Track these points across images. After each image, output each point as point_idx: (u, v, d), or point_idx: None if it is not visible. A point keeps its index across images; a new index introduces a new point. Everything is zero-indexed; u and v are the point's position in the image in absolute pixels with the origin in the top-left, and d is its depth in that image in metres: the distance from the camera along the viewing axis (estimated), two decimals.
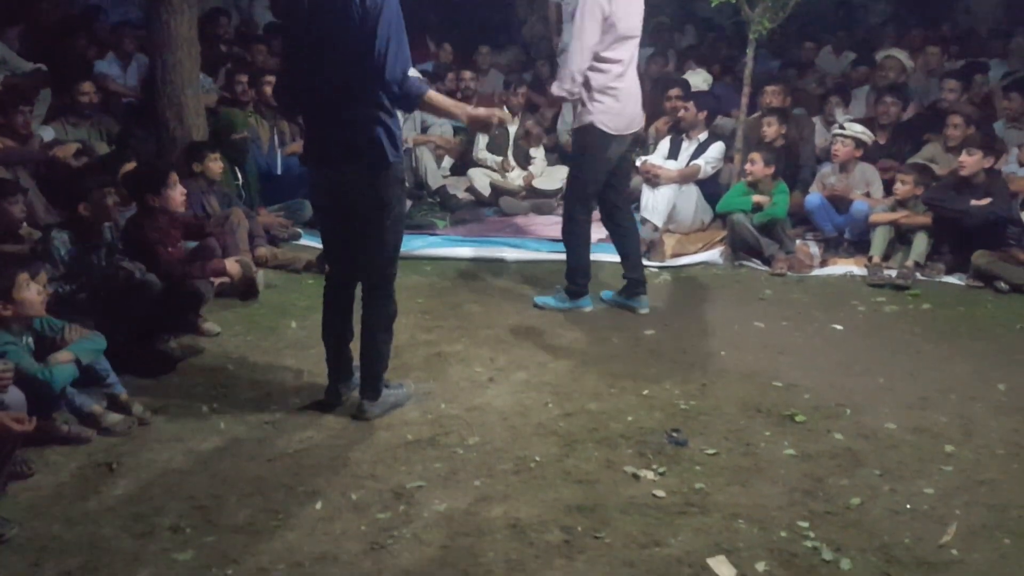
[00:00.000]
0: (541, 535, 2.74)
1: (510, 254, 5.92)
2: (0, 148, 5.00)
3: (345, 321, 3.58)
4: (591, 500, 2.94)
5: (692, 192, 6.31)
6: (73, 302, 3.64)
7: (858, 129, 6.02)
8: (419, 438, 3.36)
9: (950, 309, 4.97)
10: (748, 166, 5.91)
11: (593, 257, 5.82)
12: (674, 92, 6.70)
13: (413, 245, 5.80)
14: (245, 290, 4.81)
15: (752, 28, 5.89)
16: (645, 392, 3.78)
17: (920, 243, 5.50)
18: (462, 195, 7.08)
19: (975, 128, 6.06)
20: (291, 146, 6.40)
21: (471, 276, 5.47)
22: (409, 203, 6.63)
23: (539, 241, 6.22)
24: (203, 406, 3.61)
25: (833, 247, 5.96)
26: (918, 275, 5.42)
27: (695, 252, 5.95)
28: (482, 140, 7.36)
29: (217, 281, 4.45)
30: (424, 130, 7.39)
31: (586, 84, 4.41)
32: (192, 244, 4.48)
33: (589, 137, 4.51)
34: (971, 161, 5.45)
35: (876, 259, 5.54)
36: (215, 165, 5.18)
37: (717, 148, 6.41)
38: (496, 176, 7.21)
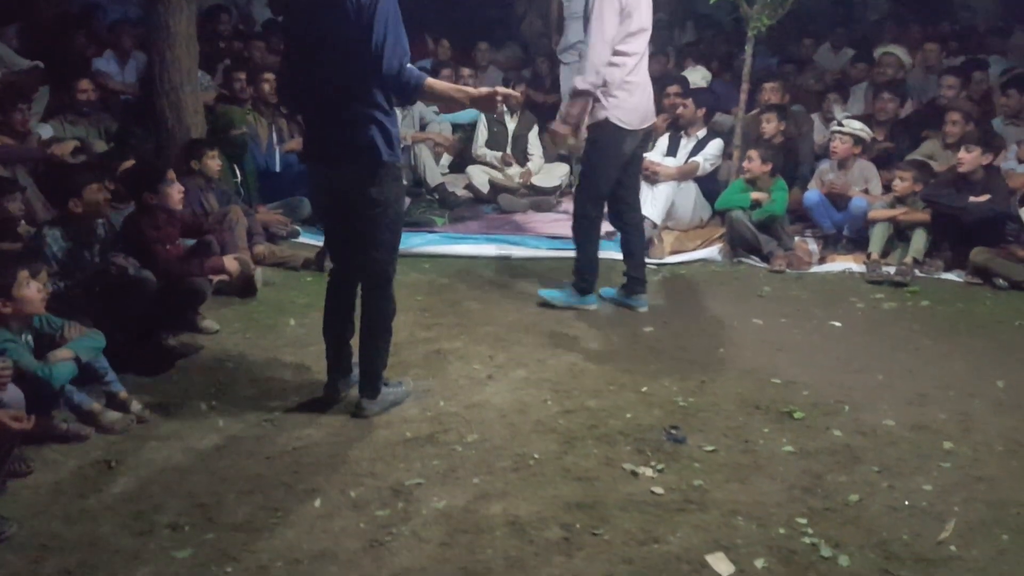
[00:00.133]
0: (540, 532, 2.75)
1: (509, 251, 5.92)
2: None
3: (346, 318, 3.58)
4: (590, 497, 2.94)
5: (691, 189, 6.31)
6: (69, 299, 3.63)
7: (856, 126, 6.02)
8: (418, 435, 3.36)
9: (949, 306, 4.98)
10: (746, 163, 5.91)
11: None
12: (673, 89, 6.70)
13: (412, 243, 5.80)
14: (244, 288, 4.80)
15: (751, 25, 5.89)
16: (644, 389, 3.78)
17: (919, 240, 5.50)
18: (461, 192, 7.08)
19: (974, 125, 6.06)
20: (289, 143, 6.40)
21: (470, 274, 5.47)
22: (408, 201, 6.63)
23: (538, 238, 6.22)
24: (202, 404, 3.60)
25: (832, 244, 5.97)
26: (917, 272, 5.43)
27: (694, 249, 5.96)
28: (481, 136, 7.37)
29: (216, 279, 4.45)
30: (423, 127, 7.38)
31: (605, 79, 4.35)
32: (190, 242, 4.48)
33: (604, 133, 4.46)
34: (969, 158, 5.45)
35: (875, 256, 5.55)
36: (213, 163, 5.18)
37: (716, 145, 6.41)
38: (495, 173, 7.21)
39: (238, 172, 5.80)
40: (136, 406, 3.48)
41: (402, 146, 6.76)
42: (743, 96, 6.10)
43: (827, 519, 2.83)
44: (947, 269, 5.51)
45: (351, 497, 2.94)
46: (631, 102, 4.43)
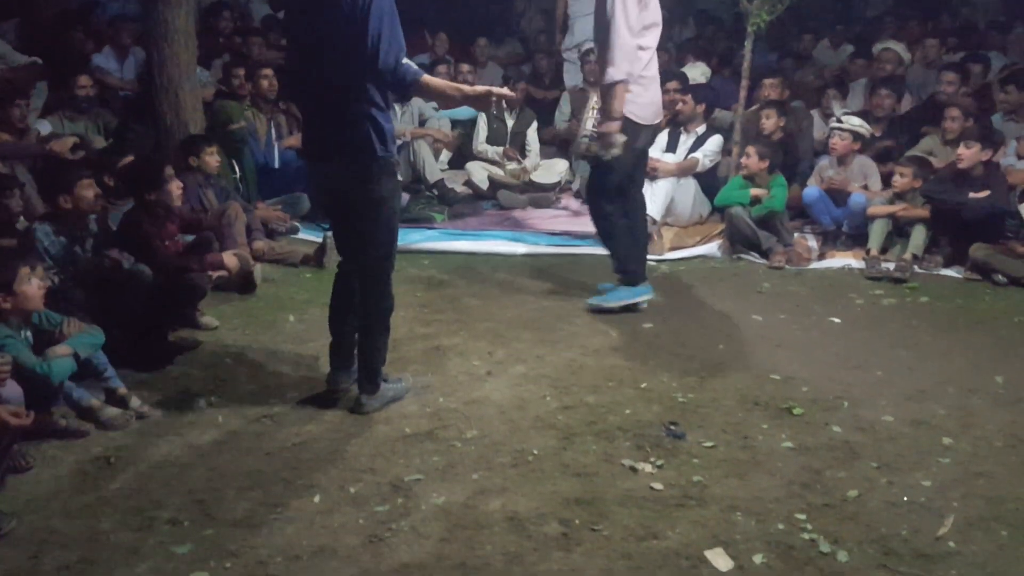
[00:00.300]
0: (539, 528, 2.75)
1: (508, 248, 5.91)
2: None
3: (350, 311, 3.57)
4: (589, 493, 2.94)
5: (690, 185, 6.31)
6: (65, 295, 3.63)
7: (856, 123, 6.01)
8: (417, 431, 3.36)
9: (948, 302, 4.98)
10: (744, 160, 5.91)
11: (592, 250, 5.86)
12: (672, 85, 6.68)
13: (411, 239, 5.79)
14: (243, 284, 4.80)
15: (750, 21, 5.89)
16: (643, 385, 3.78)
17: (918, 236, 5.50)
18: (460, 189, 7.08)
19: (973, 121, 6.05)
20: (288, 140, 6.39)
21: (469, 270, 5.46)
22: (407, 197, 6.63)
23: (537, 235, 6.22)
24: (201, 400, 3.60)
25: (831, 240, 5.97)
26: (916, 268, 5.43)
27: (693, 245, 5.96)
28: (481, 132, 7.36)
29: (215, 275, 4.45)
30: (422, 123, 7.38)
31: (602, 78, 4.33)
32: (190, 238, 4.47)
33: (626, 130, 4.39)
34: (969, 154, 5.44)
35: (874, 252, 5.54)
36: (212, 159, 5.17)
37: (715, 141, 6.41)
38: (494, 170, 7.21)
39: (237, 168, 5.80)
40: (135, 402, 3.48)
41: (401, 142, 6.78)
42: (742, 92, 6.09)
43: (826, 515, 2.84)
44: (946, 265, 5.51)
45: (350, 493, 2.94)
46: (646, 97, 4.41)
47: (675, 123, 6.51)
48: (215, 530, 2.73)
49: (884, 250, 5.60)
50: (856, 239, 5.85)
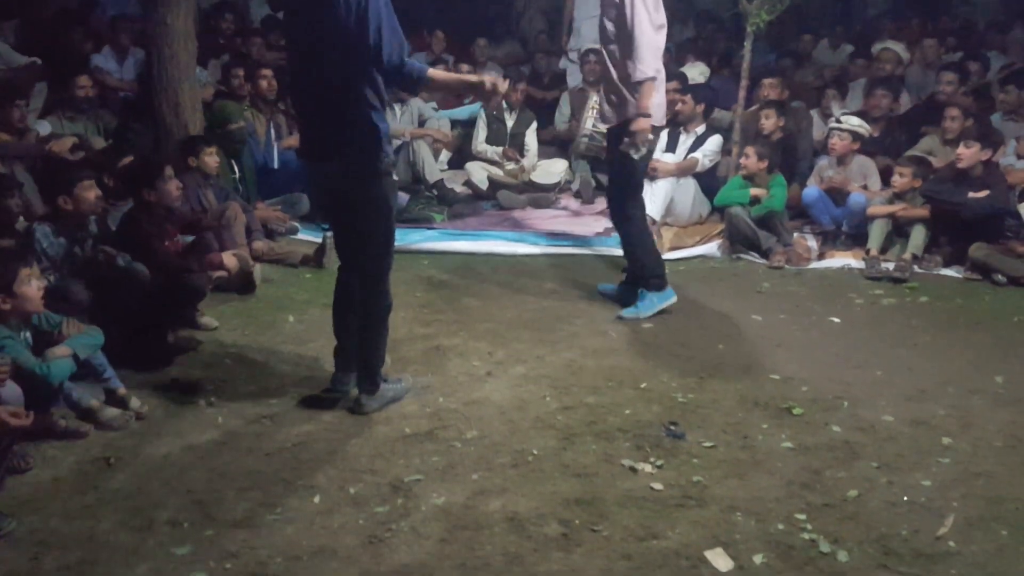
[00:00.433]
0: (539, 528, 2.75)
1: (508, 248, 5.91)
2: None
3: (352, 311, 3.57)
4: (589, 493, 2.94)
5: (690, 185, 6.31)
6: (64, 294, 3.63)
7: (855, 123, 6.01)
8: (417, 432, 3.36)
9: (948, 302, 4.98)
10: (742, 160, 5.92)
11: (592, 250, 5.87)
12: (671, 85, 6.67)
13: (411, 239, 5.79)
14: (242, 284, 4.80)
15: (750, 21, 5.89)
16: (643, 385, 3.78)
17: (918, 236, 5.50)
18: (460, 189, 7.08)
19: (973, 120, 6.06)
20: (288, 140, 6.39)
21: (469, 270, 5.46)
22: (407, 197, 6.62)
23: (537, 235, 6.22)
24: (201, 400, 3.60)
25: (831, 240, 5.97)
26: (916, 268, 5.43)
27: (693, 245, 5.96)
28: (481, 133, 7.36)
29: (214, 275, 4.44)
30: (421, 124, 7.38)
31: (632, 74, 4.32)
32: (189, 238, 4.47)
33: (629, 135, 4.37)
34: (968, 153, 5.44)
35: (874, 252, 5.54)
36: (211, 159, 5.16)
37: (715, 141, 6.41)
38: (494, 170, 7.21)
39: (236, 168, 5.79)
40: (135, 403, 3.48)
41: (401, 142, 6.78)
42: (742, 92, 6.10)
43: (826, 515, 2.84)
44: (946, 265, 5.51)
45: (350, 493, 2.94)
46: (658, 98, 4.40)
47: (674, 123, 6.51)
48: (215, 531, 2.73)
49: (884, 250, 5.60)
50: (856, 239, 5.85)
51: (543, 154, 7.49)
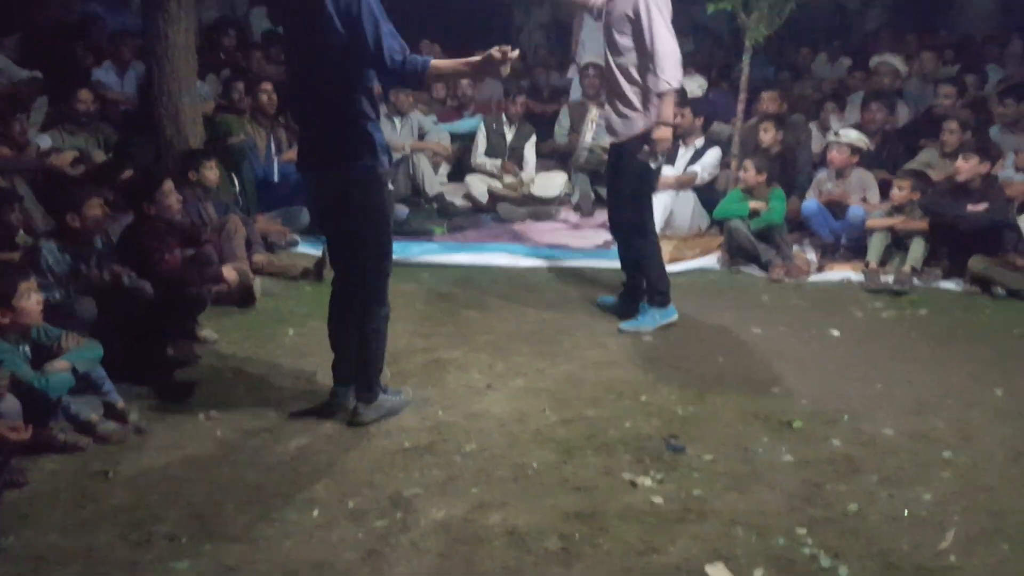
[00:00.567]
0: (539, 542, 2.74)
1: (508, 260, 5.92)
2: None
3: (349, 325, 3.58)
4: (589, 507, 2.93)
5: (689, 198, 6.33)
6: (68, 311, 3.63)
7: (853, 136, 6.03)
8: (417, 445, 3.35)
9: (947, 314, 4.98)
10: (741, 173, 5.93)
11: (592, 263, 5.88)
12: None
13: (411, 252, 5.80)
14: (242, 297, 4.80)
15: (748, 35, 5.92)
16: (643, 398, 3.78)
17: (917, 248, 5.51)
18: (460, 202, 7.10)
19: (971, 133, 6.07)
20: (288, 153, 6.41)
21: (469, 283, 5.46)
22: (407, 210, 6.64)
23: (537, 248, 6.23)
24: (200, 413, 3.60)
25: (830, 253, 5.97)
26: (915, 280, 5.43)
27: (692, 257, 5.96)
28: (480, 146, 7.38)
29: (214, 288, 4.44)
30: (421, 137, 7.40)
31: (643, 87, 4.33)
32: (189, 252, 4.47)
33: (650, 144, 4.40)
34: (967, 166, 5.46)
35: (873, 265, 5.55)
36: (211, 173, 5.18)
37: (713, 154, 6.43)
38: (494, 183, 7.23)
39: (237, 182, 5.81)
40: (133, 416, 3.47)
41: (401, 156, 6.80)
42: (740, 106, 6.12)
43: (827, 529, 2.83)
44: (945, 277, 5.51)
45: (349, 507, 2.93)
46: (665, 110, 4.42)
47: (674, 136, 6.53)
48: (213, 545, 2.72)
49: (883, 263, 5.61)
50: (855, 252, 5.85)
51: (543, 167, 7.51)
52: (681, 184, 6.29)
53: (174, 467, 3.19)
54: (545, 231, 6.71)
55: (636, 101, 4.35)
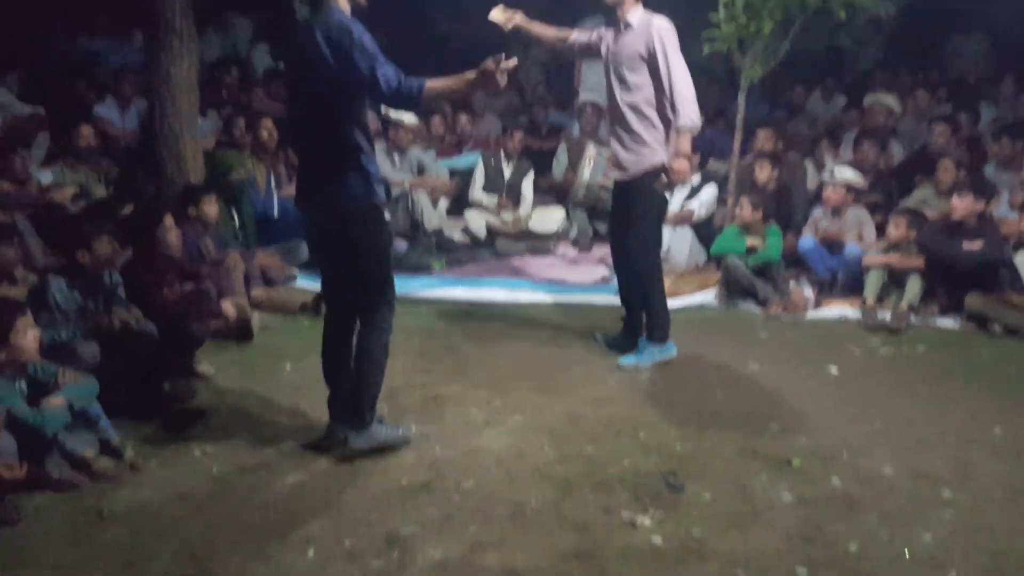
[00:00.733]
0: None
1: (506, 295, 5.93)
2: None
3: (342, 361, 3.58)
4: (588, 547, 2.91)
5: (686, 234, 6.36)
6: (75, 354, 3.62)
7: (848, 175, 6.08)
8: (413, 482, 3.33)
9: (945, 352, 4.98)
10: (737, 210, 5.97)
11: (591, 298, 5.89)
12: None
13: (409, 286, 5.81)
14: (240, 332, 4.80)
15: (744, 75, 5.99)
16: (641, 435, 3.76)
17: (913, 286, 5.52)
18: (458, 236, 7.12)
19: (966, 172, 6.13)
20: (288, 188, 6.44)
21: (467, 317, 5.47)
22: (406, 245, 6.67)
23: (535, 283, 6.25)
24: (196, 450, 3.58)
25: (827, 289, 5.99)
26: (912, 318, 5.43)
27: (690, 293, 5.97)
28: (478, 181, 7.44)
29: (212, 323, 4.44)
30: (420, 173, 7.45)
31: (655, 123, 4.37)
32: (188, 287, 4.48)
33: (658, 179, 4.43)
34: (963, 205, 5.50)
35: (870, 302, 5.56)
36: (211, 208, 5.20)
37: (710, 191, 6.47)
38: (492, 217, 7.27)
39: (236, 216, 5.83)
40: (129, 452, 3.45)
41: (400, 191, 6.84)
42: (736, 143, 6.17)
43: (827, 570, 2.80)
44: (942, 315, 5.52)
45: (345, 547, 2.90)
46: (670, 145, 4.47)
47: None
48: None
49: (880, 300, 5.62)
50: (852, 288, 5.86)
51: (541, 202, 7.56)
52: (678, 220, 6.33)
53: (169, 504, 3.17)
54: (543, 266, 6.73)
55: (646, 137, 4.38)
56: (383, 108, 6.95)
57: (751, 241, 5.86)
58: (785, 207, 6.45)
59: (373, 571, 2.77)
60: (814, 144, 7.46)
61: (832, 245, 5.98)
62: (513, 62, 3.23)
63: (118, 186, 5.76)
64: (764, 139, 6.90)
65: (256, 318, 4.92)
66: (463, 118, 8.16)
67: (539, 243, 7.16)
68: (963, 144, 7.06)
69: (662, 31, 4.29)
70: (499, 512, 3.12)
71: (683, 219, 6.35)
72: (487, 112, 8.87)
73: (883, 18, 6.37)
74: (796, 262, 6.19)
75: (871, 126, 7.36)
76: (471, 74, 3.24)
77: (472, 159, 7.69)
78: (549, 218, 7.40)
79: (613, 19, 4.46)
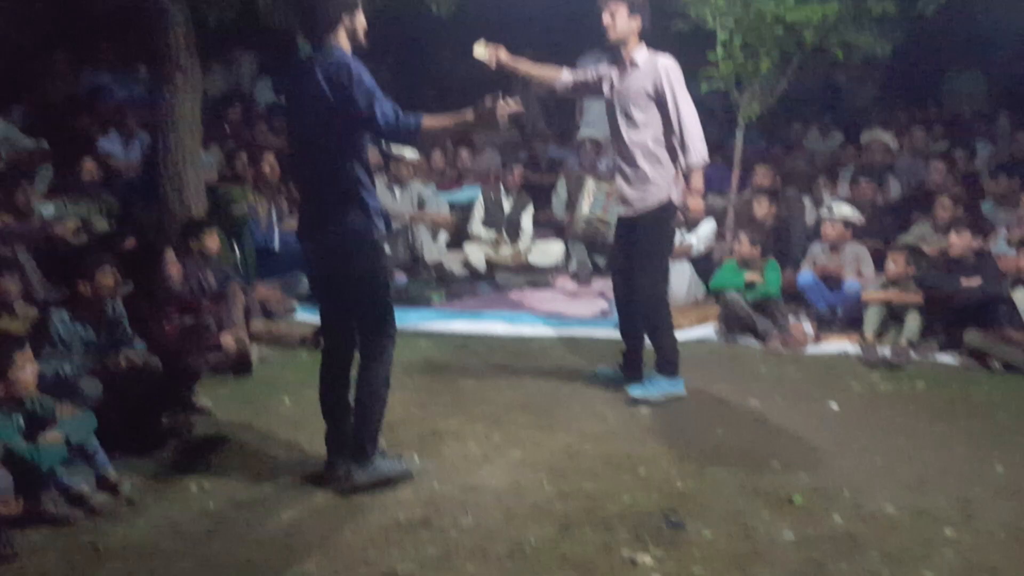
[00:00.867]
0: None
1: (505, 328, 5.93)
2: None
3: (341, 395, 3.57)
4: None
5: (685, 268, 6.38)
6: (77, 391, 3.61)
7: (846, 211, 6.12)
8: (412, 519, 3.30)
9: (945, 388, 4.97)
10: (736, 245, 5.99)
11: (590, 332, 5.89)
12: None
13: (409, 319, 5.80)
14: (239, 365, 4.79)
15: (742, 112, 6.05)
16: (641, 471, 3.74)
17: (912, 322, 5.52)
18: (458, 269, 7.14)
19: (963, 209, 6.17)
20: (289, 222, 6.47)
21: (466, 351, 5.46)
22: (405, 277, 6.68)
23: (534, 316, 6.25)
24: (193, 485, 3.55)
25: (826, 324, 5.99)
26: (912, 354, 5.43)
27: (689, 327, 5.97)
28: (478, 215, 7.48)
29: (211, 357, 4.44)
30: (420, 206, 7.49)
31: (662, 159, 4.40)
32: (188, 320, 4.48)
33: (668, 213, 4.46)
34: (960, 241, 5.53)
35: (869, 337, 5.56)
36: (212, 242, 5.22)
37: (708, 226, 6.50)
38: (491, 250, 7.30)
39: (237, 249, 5.85)
40: (125, 487, 3.42)
41: (400, 225, 6.87)
42: (735, 179, 6.21)
43: None
44: (941, 350, 5.52)
45: None
46: (680, 183, 4.50)
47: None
48: None
49: (879, 335, 5.62)
50: (851, 323, 5.87)
51: (540, 236, 7.60)
52: (676, 254, 6.34)
53: (165, 541, 3.14)
54: (542, 299, 6.74)
55: (651, 175, 4.41)
56: (383, 142, 7.01)
57: (750, 276, 5.88)
58: (783, 242, 6.48)
59: None
60: (812, 180, 7.51)
61: (831, 280, 5.99)
62: (517, 106, 3.26)
63: (120, 219, 5.78)
64: (762, 175, 6.95)
65: (255, 351, 4.91)
66: (463, 152, 8.24)
67: (538, 276, 7.18)
68: (960, 181, 7.11)
69: (669, 70, 4.34)
70: (498, 550, 3.09)
71: (681, 253, 6.37)
72: (487, 147, 8.94)
73: (879, 56, 6.45)
74: (795, 297, 6.20)
75: (868, 163, 7.42)
76: (469, 113, 3.29)
77: (472, 193, 7.74)
78: (548, 251, 7.43)
79: (618, 57, 4.50)
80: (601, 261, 7.19)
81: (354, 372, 3.55)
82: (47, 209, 5.71)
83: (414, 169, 7.45)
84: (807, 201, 7.15)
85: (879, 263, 6.01)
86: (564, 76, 4.69)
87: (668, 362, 4.62)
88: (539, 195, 7.90)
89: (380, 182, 6.80)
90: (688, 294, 6.38)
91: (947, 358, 5.46)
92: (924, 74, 9.80)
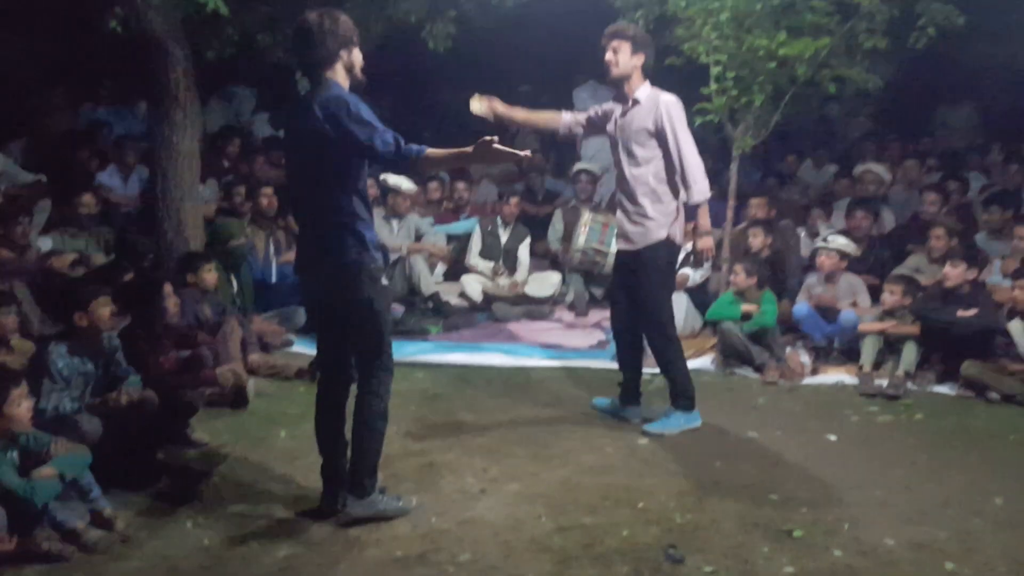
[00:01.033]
0: None
1: (502, 360, 5.92)
2: None
3: (337, 428, 3.56)
4: None
5: (681, 299, 6.38)
6: (77, 429, 3.60)
7: (841, 242, 6.14)
8: (408, 554, 3.28)
9: (942, 419, 4.96)
10: (732, 276, 6.01)
11: (587, 363, 5.88)
12: None
13: (405, 351, 5.80)
14: (235, 398, 4.77)
15: (736, 145, 6.10)
16: (640, 505, 3.72)
17: (909, 353, 5.53)
18: (455, 301, 7.15)
19: (957, 240, 6.20)
20: (286, 255, 6.50)
21: (463, 383, 5.45)
22: (402, 309, 6.69)
23: (532, 347, 6.24)
24: (188, 520, 3.52)
25: (823, 355, 5.99)
26: (909, 385, 5.42)
27: (686, 358, 5.96)
28: (475, 247, 7.50)
29: (208, 391, 4.43)
30: (418, 238, 7.52)
31: (663, 196, 4.42)
32: (184, 354, 4.48)
33: (669, 251, 4.48)
34: (955, 273, 5.55)
35: (867, 368, 5.56)
36: (209, 276, 5.23)
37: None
38: (488, 282, 7.31)
39: (235, 282, 5.86)
40: (120, 523, 3.39)
41: (397, 257, 6.89)
42: (730, 211, 6.24)
43: None
44: (939, 382, 5.51)
45: None
46: (680, 219, 4.52)
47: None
48: None
49: (877, 366, 5.62)
50: (848, 354, 5.86)
51: (537, 267, 7.62)
52: None
53: None
54: (540, 330, 6.74)
55: (651, 211, 4.43)
56: (381, 175, 7.06)
57: (746, 307, 5.89)
58: (779, 274, 6.50)
59: None
60: (806, 212, 7.56)
61: (827, 311, 6.01)
62: (527, 153, 3.39)
63: (118, 253, 5.80)
64: (757, 207, 6.98)
65: (251, 384, 4.90)
66: (460, 185, 8.28)
67: (536, 308, 7.18)
68: (953, 212, 7.15)
69: (670, 106, 4.37)
70: None
71: (678, 285, 6.38)
72: (484, 179, 9.00)
73: (870, 90, 6.52)
74: (792, 328, 6.20)
75: (862, 194, 7.47)
76: (468, 149, 3.35)
77: (469, 225, 7.77)
78: (545, 283, 7.44)
79: (619, 94, 4.53)
80: (598, 292, 7.21)
81: (350, 405, 3.54)
82: (44, 243, 5.73)
83: (411, 201, 7.48)
84: (802, 232, 7.19)
85: (875, 294, 6.03)
86: (564, 118, 4.72)
87: (684, 396, 4.62)
88: (536, 227, 7.93)
89: (377, 215, 6.83)
90: (685, 325, 6.38)
91: (944, 389, 5.46)
92: (917, 107, 9.91)
